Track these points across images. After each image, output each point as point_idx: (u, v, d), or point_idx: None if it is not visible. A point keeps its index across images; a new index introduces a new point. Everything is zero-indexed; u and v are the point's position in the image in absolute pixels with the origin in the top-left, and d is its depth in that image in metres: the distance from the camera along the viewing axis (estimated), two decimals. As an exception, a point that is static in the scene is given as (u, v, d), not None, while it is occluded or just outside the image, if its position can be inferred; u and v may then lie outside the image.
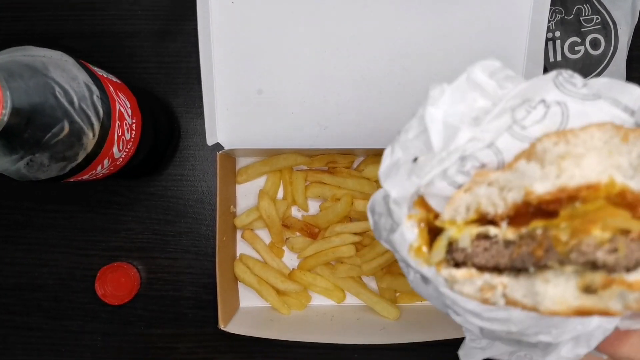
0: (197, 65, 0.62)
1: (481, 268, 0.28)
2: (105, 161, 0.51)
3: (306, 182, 0.67)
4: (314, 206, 0.68)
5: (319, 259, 0.65)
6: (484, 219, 0.29)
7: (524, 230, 0.27)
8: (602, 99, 0.29)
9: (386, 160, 0.32)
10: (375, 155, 0.66)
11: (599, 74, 0.64)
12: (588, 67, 0.64)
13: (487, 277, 0.28)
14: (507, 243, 0.28)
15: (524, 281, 0.27)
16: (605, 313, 0.26)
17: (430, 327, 0.62)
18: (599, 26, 0.63)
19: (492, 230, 0.28)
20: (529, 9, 0.61)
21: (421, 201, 0.31)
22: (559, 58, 0.64)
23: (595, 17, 0.64)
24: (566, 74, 0.29)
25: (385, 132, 0.64)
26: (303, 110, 0.65)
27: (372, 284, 0.68)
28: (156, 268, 0.69)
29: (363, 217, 0.66)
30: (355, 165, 0.67)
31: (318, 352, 0.67)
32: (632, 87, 0.30)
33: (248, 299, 0.68)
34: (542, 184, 0.27)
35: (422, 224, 0.30)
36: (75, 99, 0.44)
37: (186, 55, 0.68)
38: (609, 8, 0.63)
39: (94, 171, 0.51)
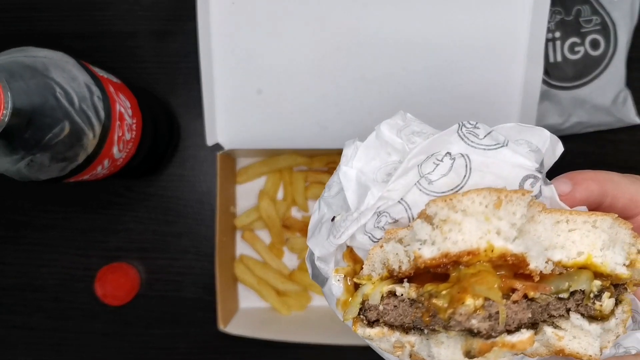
0: (197, 65, 0.63)
1: (392, 326, 0.30)
2: (106, 161, 0.51)
3: (306, 182, 0.67)
4: (314, 206, 0.68)
5: (318, 259, 0.66)
6: (394, 277, 0.30)
7: (420, 291, 0.28)
8: (506, 147, 0.29)
9: (313, 216, 0.34)
10: (375, 155, 0.66)
11: (598, 74, 0.64)
12: (588, 68, 0.64)
13: (397, 335, 0.29)
14: (412, 302, 0.29)
15: (425, 342, 0.29)
16: None
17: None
18: (599, 27, 0.64)
19: (398, 289, 0.29)
20: (529, 10, 0.61)
21: (349, 253, 0.32)
22: (559, 59, 0.64)
23: (594, 17, 0.64)
24: (469, 124, 0.30)
25: (385, 132, 0.64)
26: (303, 110, 0.65)
27: (372, 284, 0.68)
28: (156, 268, 0.69)
29: (363, 218, 0.66)
30: (355, 165, 0.68)
31: (318, 352, 0.67)
32: (541, 130, 0.31)
33: (248, 300, 0.68)
34: (428, 249, 0.28)
35: (349, 278, 0.32)
36: (76, 100, 0.44)
37: (186, 55, 0.68)
38: (609, 9, 0.63)
39: (94, 171, 0.51)
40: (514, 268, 0.27)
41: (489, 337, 0.26)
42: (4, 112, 0.38)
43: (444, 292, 0.27)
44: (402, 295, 0.29)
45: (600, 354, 0.29)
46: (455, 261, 0.27)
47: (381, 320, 0.30)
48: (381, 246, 0.30)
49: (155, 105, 0.66)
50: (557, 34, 0.64)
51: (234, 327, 0.61)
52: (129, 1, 0.68)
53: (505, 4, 0.61)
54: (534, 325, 0.28)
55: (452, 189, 0.29)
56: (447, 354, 0.28)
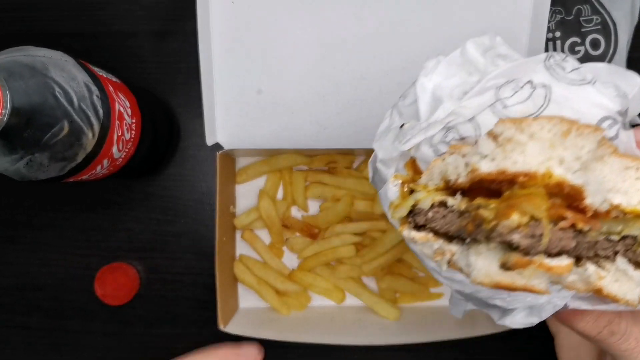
0: (197, 65, 0.62)
1: (437, 233, 0.30)
2: (105, 161, 0.51)
3: (306, 182, 0.67)
4: (314, 206, 0.68)
5: (318, 259, 0.65)
6: (450, 188, 0.30)
7: (470, 204, 0.29)
8: (592, 85, 0.29)
9: (384, 122, 0.35)
10: (375, 155, 0.66)
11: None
12: (588, 68, 0.64)
13: (440, 242, 0.30)
14: (460, 213, 0.29)
15: (465, 252, 0.29)
16: (529, 290, 0.27)
17: (430, 328, 0.62)
18: (599, 26, 0.63)
19: (450, 200, 0.30)
20: (529, 9, 0.61)
21: (411, 163, 0.32)
22: (559, 58, 0.64)
23: (595, 17, 0.64)
24: (558, 56, 0.30)
25: (385, 132, 0.64)
26: (303, 110, 0.65)
27: (372, 284, 0.68)
28: (156, 268, 0.69)
29: (363, 217, 0.66)
30: (355, 165, 0.67)
31: (318, 352, 0.67)
32: (633, 75, 0.30)
33: (248, 300, 0.68)
34: (487, 164, 0.28)
35: (406, 185, 0.32)
36: (75, 99, 0.44)
37: (186, 55, 0.68)
38: (609, 8, 0.63)
39: (93, 171, 0.51)
40: (568, 199, 0.27)
41: (527, 254, 0.26)
42: (3, 111, 0.38)
43: (492, 206, 0.27)
44: (452, 206, 0.29)
45: (638, 302, 0.29)
46: (511, 180, 0.27)
47: (427, 226, 0.30)
48: (443, 159, 0.30)
49: (155, 105, 0.66)
50: (558, 34, 0.64)
51: (234, 326, 0.61)
52: (129, 1, 0.68)
53: (506, 3, 0.61)
54: (577, 259, 0.28)
55: (525, 117, 0.29)
56: (484, 264, 0.28)
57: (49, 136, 0.43)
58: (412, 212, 0.31)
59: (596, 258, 0.28)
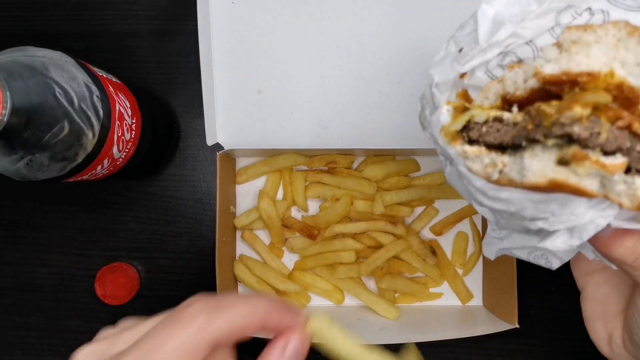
0: (197, 65, 0.62)
1: (489, 147, 0.31)
2: (105, 161, 0.51)
3: (306, 182, 0.67)
4: (314, 206, 0.68)
5: (318, 260, 0.65)
6: (507, 102, 0.31)
7: (530, 107, 0.29)
8: None
9: (441, 52, 0.36)
10: (376, 155, 0.66)
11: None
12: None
13: (493, 155, 0.31)
14: (515, 124, 0.30)
15: (519, 159, 0.30)
16: (579, 191, 0.28)
17: (430, 327, 0.62)
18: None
19: (506, 114, 0.31)
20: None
21: (464, 93, 0.34)
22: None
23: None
24: None
25: (385, 132, 0.64)
26: (303, 110, 0.65)
27: (371, 284, 0.68)
28: (156, 268, 0.69)
29: (363, 218, 0.66)
30: (355, 165, 0.67)
31: (318, 352, 0.67)
32: None
33: (248, 299, 0.68)
34: (550, 66, 0.29)
35: (459, 107, 0.33)
36: (75, 99, 0.44)
37: (186, 55, 0.68)
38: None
39: (93, 171, 0.51)
40: (626, 104, 0.28)
41: (585, 147, 0.27)
42: (3, 111, 0.38)
43: (554, 103, 0.28)
44: (507, 119, 0.30)
45: None
46: (573, 81, 0.28)
47: (481, 141, 0.31)
48: (499, 81, 0.31)
49: (155, 105, 0.66)
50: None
51: (234, 327, 0.61)
52: (129, 1, 0.68)
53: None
54: (627, 169, 0.28)
55: (590, 24, 0.30)
56: (539, 165, 0.28)
57: (49, 136, 0.43)
58: (466, 127, 0.32)
59: None
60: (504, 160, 0.30)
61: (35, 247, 0.69)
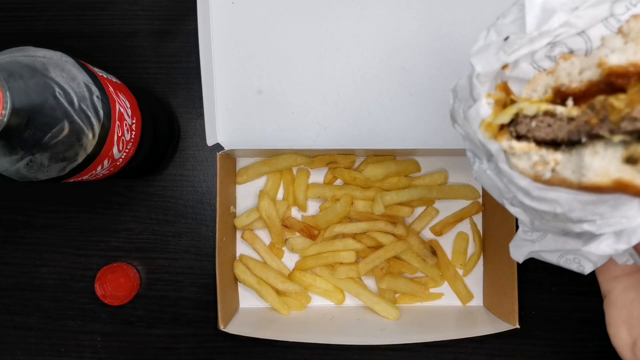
0: (197, 65, 0.62)
1: (539, 143, 0.28)
2: (105, 162, 0.51)
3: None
4: (314, 206, 0.68)
5: (318, 260, 0.65)
6: (556, 100, 0.29)
7: (592, 101, 0.27)
8: None
9: (479, 41, 0.33)
10: (376, 155, 0.66)
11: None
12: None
13: (543, 152, 0.28)
14: (570, 120, 0.28)
15: (575, 157, 0.27)
16: None
17: (430, 328, 0.62)
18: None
19: (559, 108, 0.28)
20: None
21: (504, 85, 0.32)
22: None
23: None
24: None
25: (385, 132, 0.64)
26: (303, 110, 0.65)
27: (371, 284, 0.68)
28: (156, 268, 0.69)
29: (363, 218, 0.66)
30: (355, 165, 0.67)
31: (318, 352, 0.67)
32: None
33: (248, 300, 0.68)
34: (616, 56, 0.27)
35: (503, 100, 0.31)
36: (75, 100, 0.44)
37: (186, 55, 0.68)
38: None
39: (93, 172, 0.51)
40: None
41: None
42: (3, 111, 0.38)
43: (622, 96, 0.26)
44: (561, 113, 0.28)
45: None
46: (639, 75, 0.26)
47: (530, 136, 0.29)
48: (548, 73, 0.29)
49: (155, 105, 0.66)
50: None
51: (234, 327, 0.61)
52: (129, 1, 0.68)
53: (506, 4, 0.61)
54: None
55: None
56: (602, 164, 0.26)
57: (49, 137, 0.43)
58: (513, 121, 0.29)
59: None
60: (556, 157, 0.28)
61: (35, 247, 0.69)
